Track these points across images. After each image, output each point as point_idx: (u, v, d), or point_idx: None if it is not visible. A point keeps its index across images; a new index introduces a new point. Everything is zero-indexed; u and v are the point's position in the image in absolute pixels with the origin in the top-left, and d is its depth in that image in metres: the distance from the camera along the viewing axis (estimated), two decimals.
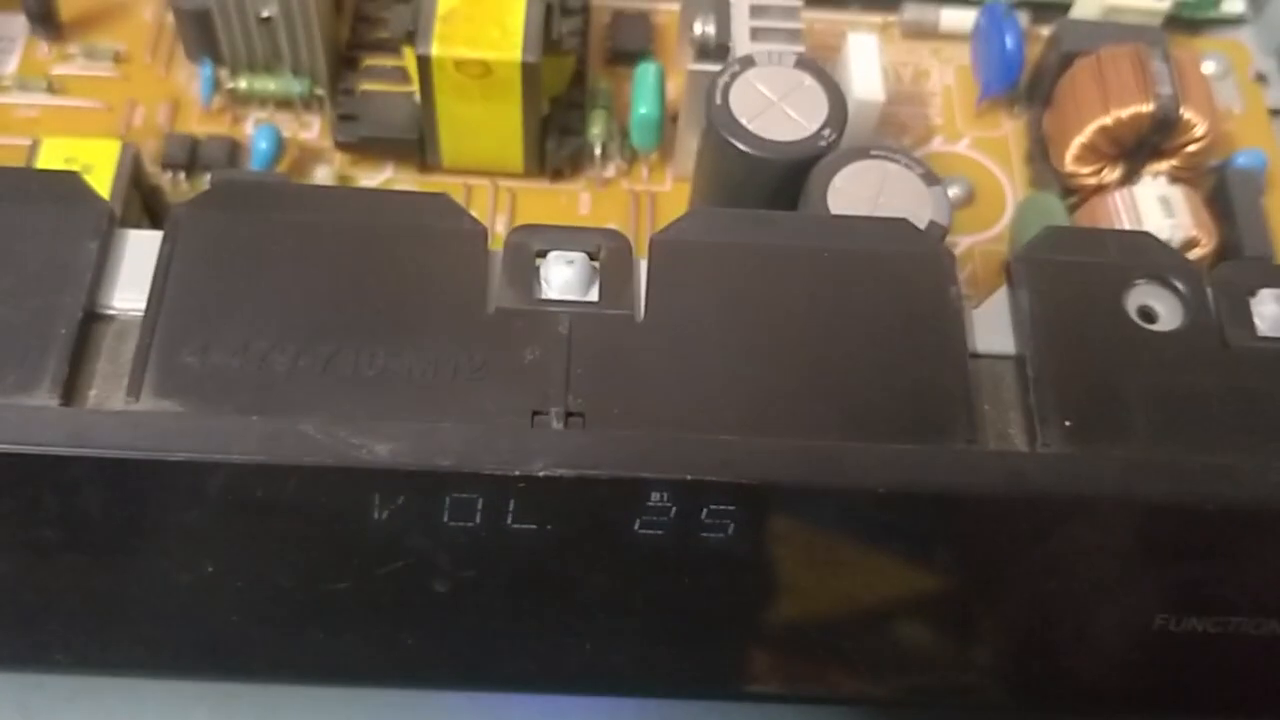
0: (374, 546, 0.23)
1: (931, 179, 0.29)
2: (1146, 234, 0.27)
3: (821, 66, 0.31)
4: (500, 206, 0.36)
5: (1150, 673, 0.25)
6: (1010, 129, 0.38)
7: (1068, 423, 0.23)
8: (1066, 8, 0.39)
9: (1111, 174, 0.34)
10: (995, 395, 0.24)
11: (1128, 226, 0.33)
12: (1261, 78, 0.40)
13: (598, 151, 0.36)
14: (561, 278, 0.24)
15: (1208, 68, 0.39)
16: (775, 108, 0.30)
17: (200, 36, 0.36)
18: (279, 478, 0.22)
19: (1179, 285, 0.25)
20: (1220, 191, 0.35)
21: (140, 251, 0.25)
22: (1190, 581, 0.24)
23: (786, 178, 0.29)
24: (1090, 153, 0.34)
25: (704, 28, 0.34)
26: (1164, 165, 0.34)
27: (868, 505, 0.23)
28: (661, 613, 0.24)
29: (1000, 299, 0.25)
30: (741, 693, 0.25)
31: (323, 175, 0.36)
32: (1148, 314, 0.25)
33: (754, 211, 0.26)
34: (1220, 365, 0.24)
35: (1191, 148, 0.34)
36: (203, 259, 0.24)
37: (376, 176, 0.36)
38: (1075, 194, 0.35)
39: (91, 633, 0.24)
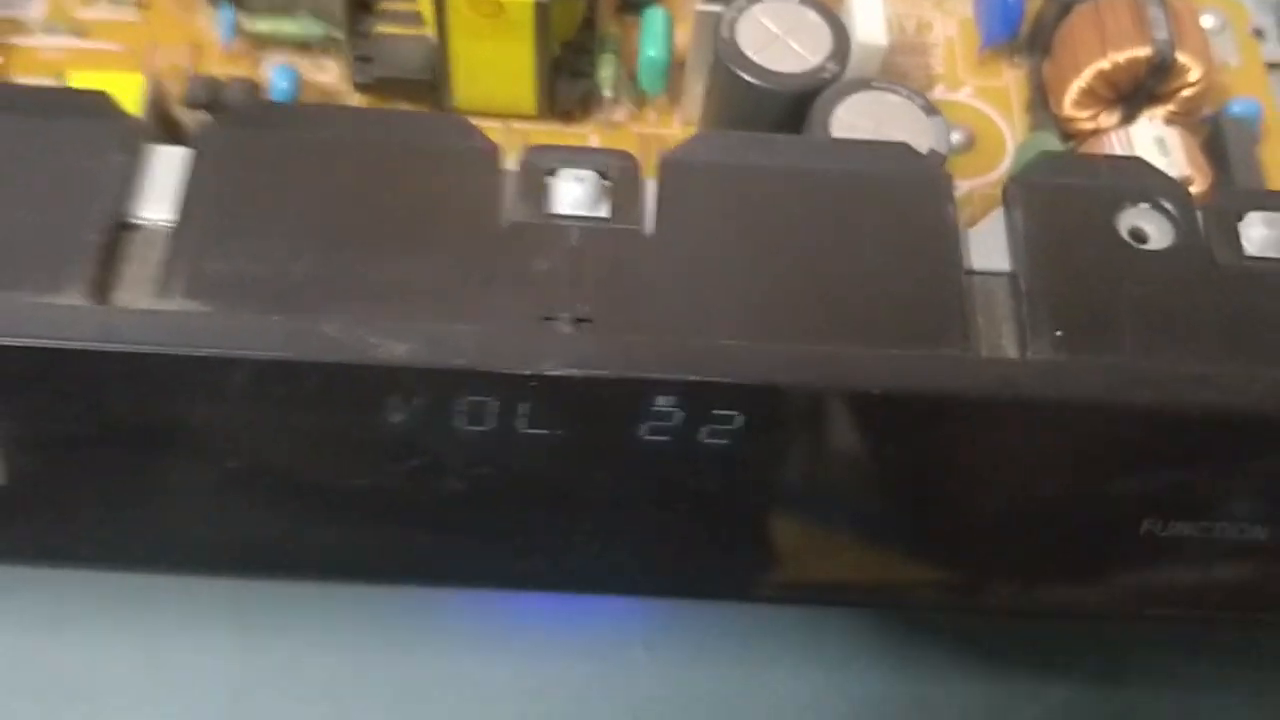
0: (390, 445, 0.24)
1: (931, 110, 0.30)
2: (1139, 159, 0.28)
3: (825, 4, 0.32)
4: (512, 147, 0.36)
5: (1137, 576, 0.26)
6: (1011, 78, 0.39)
7: (1058, 333, 0.24)
8: None
9: (1109, 119, 0.35)
10: (989, 309, 0.25)
11: None
12: (1259, 33, 0.40)
13: (607, 94, 0.36)
14: (572, 194, 0.25)
15: (1206, 22, 0.39)
16: (780, 41, 0.31)
17: None
18: (300, 374, 0.23)
19: (1170, 207, 0.26)
20: (1215, 138, 0.36)
21: (167, 165, 0.25)
22: (1176, 487, 0.25)
23: (790, 109, 0.30)
24: (1088, 97, 0.35)
25: None
26: (1160, 110, 0.35)
27: (865, 407, 0.24)
28: (670, 516, 0.25)
29: (996, 219, 0.26)
30: (744, 594, 0.26)
31: None
32: (1139, 234, 0.26)
33: (759, 134, 0.27)
34: (1208, 283, 0.25)
35: (1187, 92, 0.34)
36: (229, 172, 0.25)
37: None
38: (1073, 139, 0.36)
39: (117, 528, 0.25)
